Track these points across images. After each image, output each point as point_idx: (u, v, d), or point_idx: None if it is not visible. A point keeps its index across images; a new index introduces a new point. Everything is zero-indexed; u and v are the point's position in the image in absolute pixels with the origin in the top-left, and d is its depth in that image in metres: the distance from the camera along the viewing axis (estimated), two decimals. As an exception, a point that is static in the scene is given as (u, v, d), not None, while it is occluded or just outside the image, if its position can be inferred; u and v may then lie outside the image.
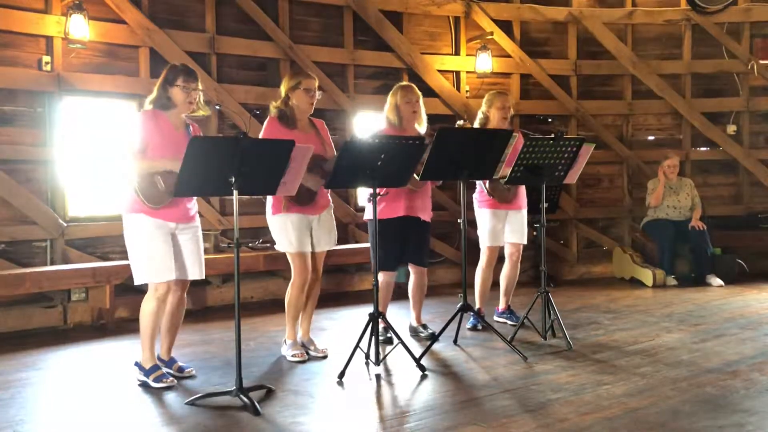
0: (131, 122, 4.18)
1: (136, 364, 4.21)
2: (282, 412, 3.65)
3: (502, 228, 5.57)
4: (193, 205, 4.27)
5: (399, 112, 5.06)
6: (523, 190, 5.63)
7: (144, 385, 4.11)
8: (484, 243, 5.56)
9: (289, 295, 4.71)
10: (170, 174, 3.99)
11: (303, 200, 4.50)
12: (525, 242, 5.68)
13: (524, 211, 5.65)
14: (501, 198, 5.48)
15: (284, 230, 4.61)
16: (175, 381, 4.13)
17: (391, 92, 5.16)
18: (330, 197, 4.85)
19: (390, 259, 5.08)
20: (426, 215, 5.19)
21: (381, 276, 5.12)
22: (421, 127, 5.16)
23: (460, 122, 5.27)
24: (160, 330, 4.30)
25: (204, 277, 4.37)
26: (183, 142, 4.06)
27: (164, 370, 4.23)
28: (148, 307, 4.13)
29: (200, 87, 4.21)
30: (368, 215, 5.03)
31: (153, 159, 4.02)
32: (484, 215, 5.55)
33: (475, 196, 5.63)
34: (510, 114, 5.59)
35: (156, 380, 4.08)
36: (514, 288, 5.77)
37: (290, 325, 4.77)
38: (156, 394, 4.00)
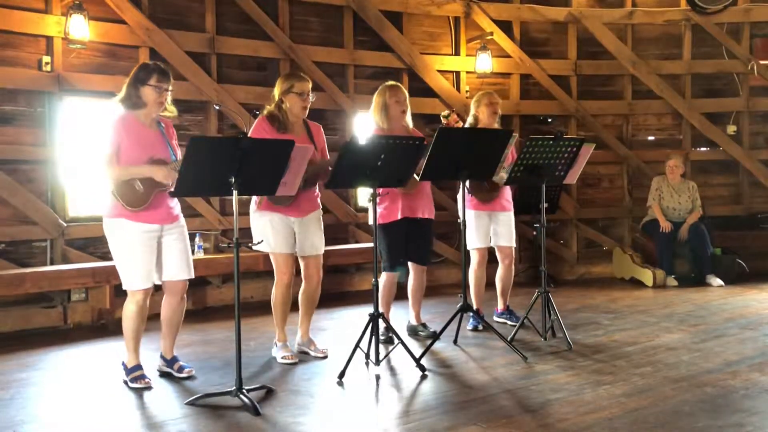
0: (104, 127, 4.10)
1: (122, 363, 4.22)
2: (282, 412, 3.65)
3: (487, 229, 5.56)
4: (176, 204, 4.22)
5: (387, 112, 5.03)
6: (507, 190, 5.61)
7: (125, 384, 4.13)
8: (472, 245, 5.54)
9: (274, 296, 4.70)
10: (148, 177, 3.98)
11: (280, 200, 4.47)
12: (514, 244, 5.65)
13: (510, 213, 5.63)
14: (482, 198, 5.47)
15: (263, 229, 4.59)
16: (151, 382, 4.11)
17: (377, 92, 5.13)
18: (320, 202, 4.81)
19: (392, 261, 5.08)
20: (427, 213, 5.19)
21: (384, 277, 5.13)
22: (408, 126, 5.14)
23: (445, 113, 5.15)
24: (162, 329, 4.32)
25: (193, 277, 4.31)
26: (156, 141, 4.06)
27: (160, 369, 4.32)
28: (127, 311, 4.13)
29: (171, 87, 4.15)
30: (371, 220, 5.03)
31: (128, 163, 3.98)
32: (469, 217, 5.52)
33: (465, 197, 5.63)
34: (498, 110, 5.57)
35: (133, 380, 4.09)
36: (510, 288, 5.76)
37: (278, 327, 4.74)
38: (156, 394, 4.00)
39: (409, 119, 5.14)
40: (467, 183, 5.38)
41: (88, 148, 6.26)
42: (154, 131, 4.12)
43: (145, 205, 3.99)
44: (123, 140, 4.00)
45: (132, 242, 4.01)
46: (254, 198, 4.64)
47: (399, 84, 5.21)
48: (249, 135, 4.60)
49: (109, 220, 4.06)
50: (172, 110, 4.21)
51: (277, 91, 4.66)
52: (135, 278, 4.05)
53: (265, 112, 4.67)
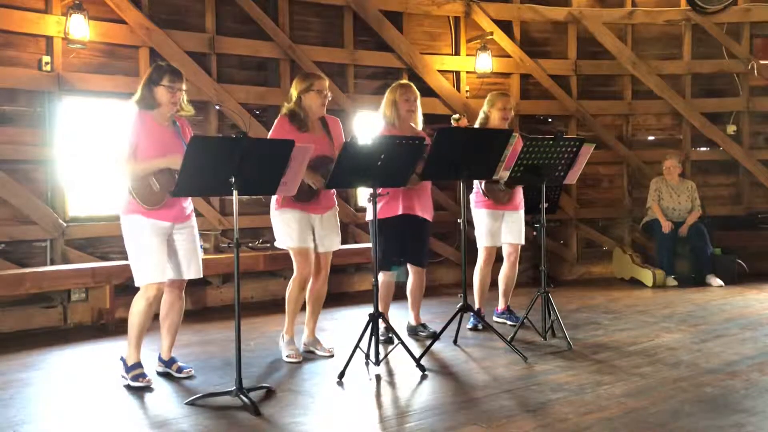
0: (120, 125, 4.15)
1: (122, 358, 4.22)
2: (282, 412, 3.65)
3: (498, 228, 5.58)
4: (189, 204, 4.27)
5: (396, 110, 5.08)
6: (520, 191, 5.64)
7: (124, 380, 4.13)
8: (481, 243, 5.58)
9: (290, 290, 4.74)
10: (165, 174, 4.01)
11: (301, 197, 4.51)
12: (522, 242, 5.68)
13: (521, 212, 5.66)
14: (497, 199, 5.49)
15: (285, 225, 4.63)
16: (152, 382, 4.10)
17: (389, 89, 5.19)
18: (336, 200, 4.85)
19: (390, 258, 5.08)
20: (426, 214, 5.20)
21: (381, 276, 5.13)
22: (417, 127, 5.17)
23: (455, 116, 5.25)
24: (161, 330, 4.32)
25: (201, 276, 4.36)
26: (171, 140, 4.09)
27: (159, 369, 4.32)
28: (137, 306, 4.13)
29: (184, 87, 4.20)
30: (369, 216, 5.04)
31: (144, 160, 4.02)
32: (480, 215, 5.57)
33: (472, 196, 5.65)
34: (510, 116, 5.61)
35: (133, 378, 4.09)
36: (513, 288, 5.77)
37: (289, 321, 4.78)
38: (156, 394, 4.00)
39: (419, 120, 5.18)
40: (482, 185, 5.43)
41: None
42: (169, 130, 4.16)
43: (160, 203, 4.03)
44: (140, 138, 4.05)
45: (146, 237, 4.05)
46: (274, 197, 4.66)
47: (410, 84, 5.25)
48: (269, 134, 4.69)
49: (124, 216, 4.11)
50: (188, 109, 4.28)
51: (295, 91, 4.70)
52: (149, 271, 4.07)
53: (284, 111, 4.70)
